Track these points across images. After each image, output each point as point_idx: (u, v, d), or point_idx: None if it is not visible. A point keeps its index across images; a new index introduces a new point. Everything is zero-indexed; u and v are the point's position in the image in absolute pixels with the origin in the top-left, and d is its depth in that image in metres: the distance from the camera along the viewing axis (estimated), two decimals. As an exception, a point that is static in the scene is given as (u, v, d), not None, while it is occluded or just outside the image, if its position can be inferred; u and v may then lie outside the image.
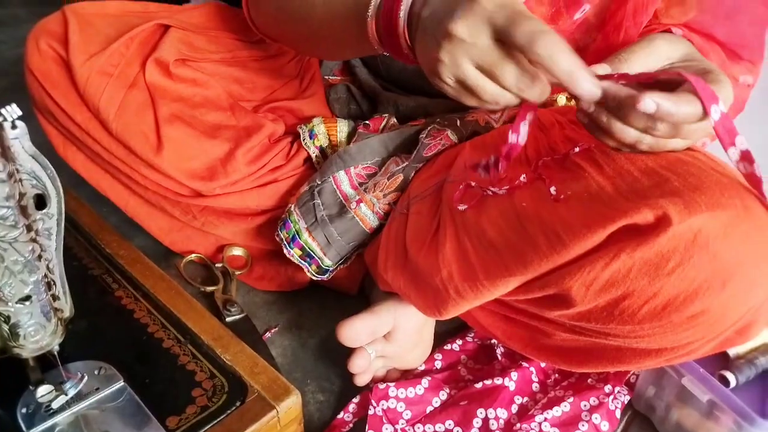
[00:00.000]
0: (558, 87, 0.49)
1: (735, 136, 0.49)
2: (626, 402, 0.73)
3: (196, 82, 0.81)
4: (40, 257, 0.47)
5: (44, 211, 0.46)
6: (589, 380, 0.74)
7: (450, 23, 0.48)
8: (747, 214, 0.49)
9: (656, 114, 0.47)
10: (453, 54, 0.49)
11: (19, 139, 0.42)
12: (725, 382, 0.66)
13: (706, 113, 0.48)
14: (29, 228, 0.45)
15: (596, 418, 0.70)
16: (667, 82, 0.51)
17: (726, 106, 0.49)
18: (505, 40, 0.47)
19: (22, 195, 0.44)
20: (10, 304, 0.47)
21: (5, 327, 0.48)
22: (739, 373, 0.66)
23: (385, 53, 0.61)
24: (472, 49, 0.48)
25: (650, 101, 0.47)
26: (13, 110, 0.42)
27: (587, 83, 0.47)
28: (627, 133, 0.51)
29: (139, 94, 0.76)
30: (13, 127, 0.41)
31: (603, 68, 0.51)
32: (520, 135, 0.55)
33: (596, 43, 0.71)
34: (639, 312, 0.51)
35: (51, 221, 0.47)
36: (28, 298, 0.47)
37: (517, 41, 0.46)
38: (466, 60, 0.48)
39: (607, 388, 0.73)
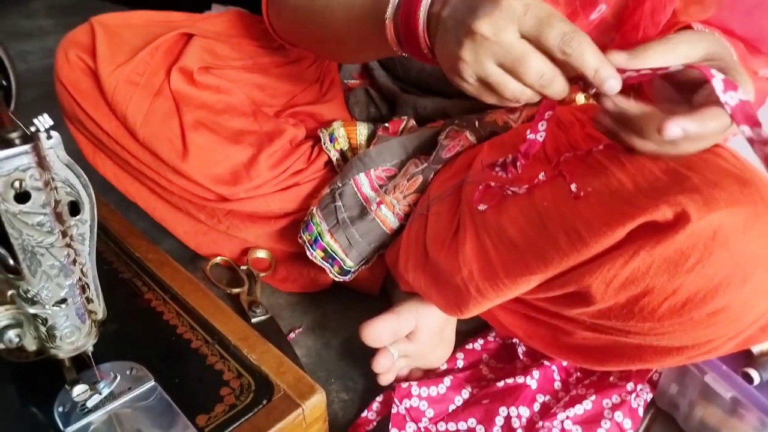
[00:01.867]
0: (575, 86, 0.50)
1: (755, 122, 0.46)
2: (649, 400, 0.73)
3: (220, 89, 0.82)
4: (74, 261, 0.49)
5: (78, 217, 0.48)
6: (611, 378, 0.74)
7: (474, 21, 0.48)
8: (767, 209, 0.49)
9: (684, 137, 0.46)
10: (476, 52, 0.49)
11: (54, 148, 0.44)
12: (749, 379, 0.65)
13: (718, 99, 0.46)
14: (64, 234, 0.47)
15: (619, 416, 0.70)
16: (685, 80, 0.51)
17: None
18: (532, 40, 0.48)
19: (57, 202, 0.45)
20: (47, 306, 0.49)
21: (43, 329, 0.50)
22: (763, 370, 0.65)
23: (404, 54, 0.62)
24: (496, 47, 0.48)
25: (676, 127, 0.46)
26: (45, 120, 0.43)
27: (612, 80, 0.48)
28: (647, 147, 0.51)
29: (165, 102, 0.78)
30: (49, 137, 0.43)
31: (620, 56, 0.51)
32: (539, 133, 0.56)
33: (615, 43, 0.71)
34: (659, 309, 0.51)
35: (84, 227, 0.48)
36: (63, 300, 0.49)
37: (549, 42, 0.47)
38: (489, 58, 0.49)
39: (630, 386, 0.73)
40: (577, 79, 0.50)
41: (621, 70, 0.49)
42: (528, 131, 0.56)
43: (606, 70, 0.48)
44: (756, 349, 0.67)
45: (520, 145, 0.58)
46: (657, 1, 0.66)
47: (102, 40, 0.78)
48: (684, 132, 0.46)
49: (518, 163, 0.60)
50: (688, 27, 0.67)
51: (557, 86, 0.49)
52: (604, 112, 0.52)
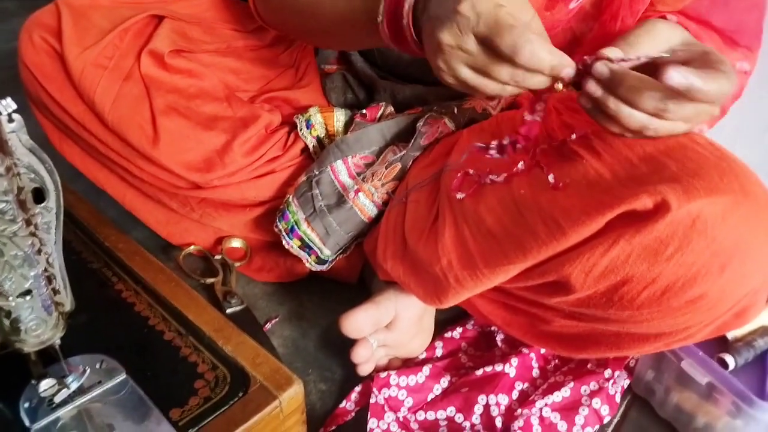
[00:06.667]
0: None
1: None
2: (626, 386, 0.74)
3: (192, 73, 0.80)
4: (39, 251, 0.47)
5: (43, 205, 0.46)
6: (589, 365, 0.75)
7: (437, 32, 0.50)
8: (745, 198, 0.49)
9: (683, 89, 0.45)
10: (447, 61, 0.50)
11: (16, 132, 0.42)
12: (724, 364, 0.66)
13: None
14: (28, 222, 0.45)
15: (596, 402, 0.70)
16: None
17: (731, 85, 0.48)
18: (490, 47, 0.48)
19: (20, 189, 0.43)
20: (10, 298, 0.47)
21: (6, 322, 0.48)
22: (738, 356, 0.66)
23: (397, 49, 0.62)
24: (462, 54, 0.49)
25: (678, 74, 0.45)
26: (8, 104, 0.41)
27: (569, 70, 0.49)
28: (634, 118, 0.48)
29: (135, 86, 0.76)
30: (10, 120, 0.41)
31: (615, 51, 0.50)
32: (537, 113, 0.56)
33: (593, 32, 0.71)
34: (638, 297, 0.52)
35: (50, 215, 0.46)
36: (28, 292, 0.47)
37: (501, 51, 0.48)
38: (460, 64, 0.50)
39: (607, 372, 0.73)
40: None
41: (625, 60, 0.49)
42: (525, 113, 0.56)
43: (561, 62, 0.48)
44: (731, 335, 0.68)
45: (505, 129, 0.57)
46: None
47: (68, 21, 0.75)
48: (686, 82, 0.45)
49: (518, 146, 0.59)
50: (663, 18, 0.67)
51: (533, 81, 0.49)
52: (585, 93, 0.50)
